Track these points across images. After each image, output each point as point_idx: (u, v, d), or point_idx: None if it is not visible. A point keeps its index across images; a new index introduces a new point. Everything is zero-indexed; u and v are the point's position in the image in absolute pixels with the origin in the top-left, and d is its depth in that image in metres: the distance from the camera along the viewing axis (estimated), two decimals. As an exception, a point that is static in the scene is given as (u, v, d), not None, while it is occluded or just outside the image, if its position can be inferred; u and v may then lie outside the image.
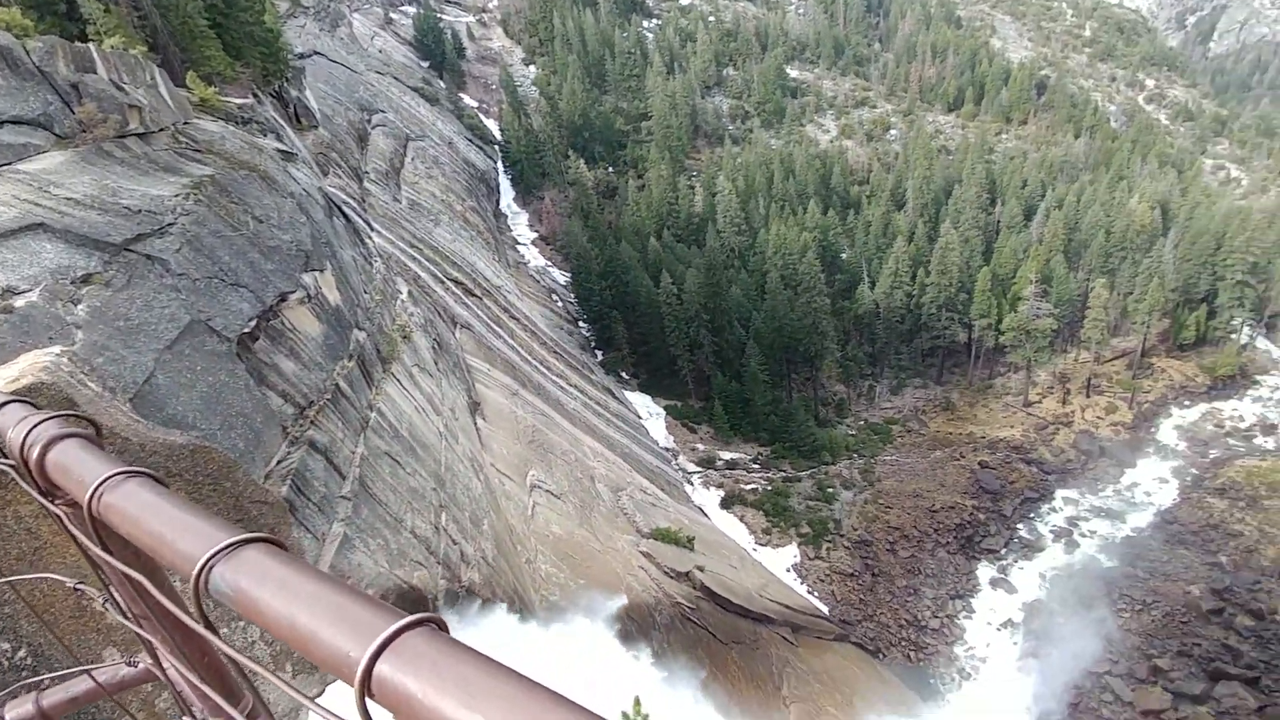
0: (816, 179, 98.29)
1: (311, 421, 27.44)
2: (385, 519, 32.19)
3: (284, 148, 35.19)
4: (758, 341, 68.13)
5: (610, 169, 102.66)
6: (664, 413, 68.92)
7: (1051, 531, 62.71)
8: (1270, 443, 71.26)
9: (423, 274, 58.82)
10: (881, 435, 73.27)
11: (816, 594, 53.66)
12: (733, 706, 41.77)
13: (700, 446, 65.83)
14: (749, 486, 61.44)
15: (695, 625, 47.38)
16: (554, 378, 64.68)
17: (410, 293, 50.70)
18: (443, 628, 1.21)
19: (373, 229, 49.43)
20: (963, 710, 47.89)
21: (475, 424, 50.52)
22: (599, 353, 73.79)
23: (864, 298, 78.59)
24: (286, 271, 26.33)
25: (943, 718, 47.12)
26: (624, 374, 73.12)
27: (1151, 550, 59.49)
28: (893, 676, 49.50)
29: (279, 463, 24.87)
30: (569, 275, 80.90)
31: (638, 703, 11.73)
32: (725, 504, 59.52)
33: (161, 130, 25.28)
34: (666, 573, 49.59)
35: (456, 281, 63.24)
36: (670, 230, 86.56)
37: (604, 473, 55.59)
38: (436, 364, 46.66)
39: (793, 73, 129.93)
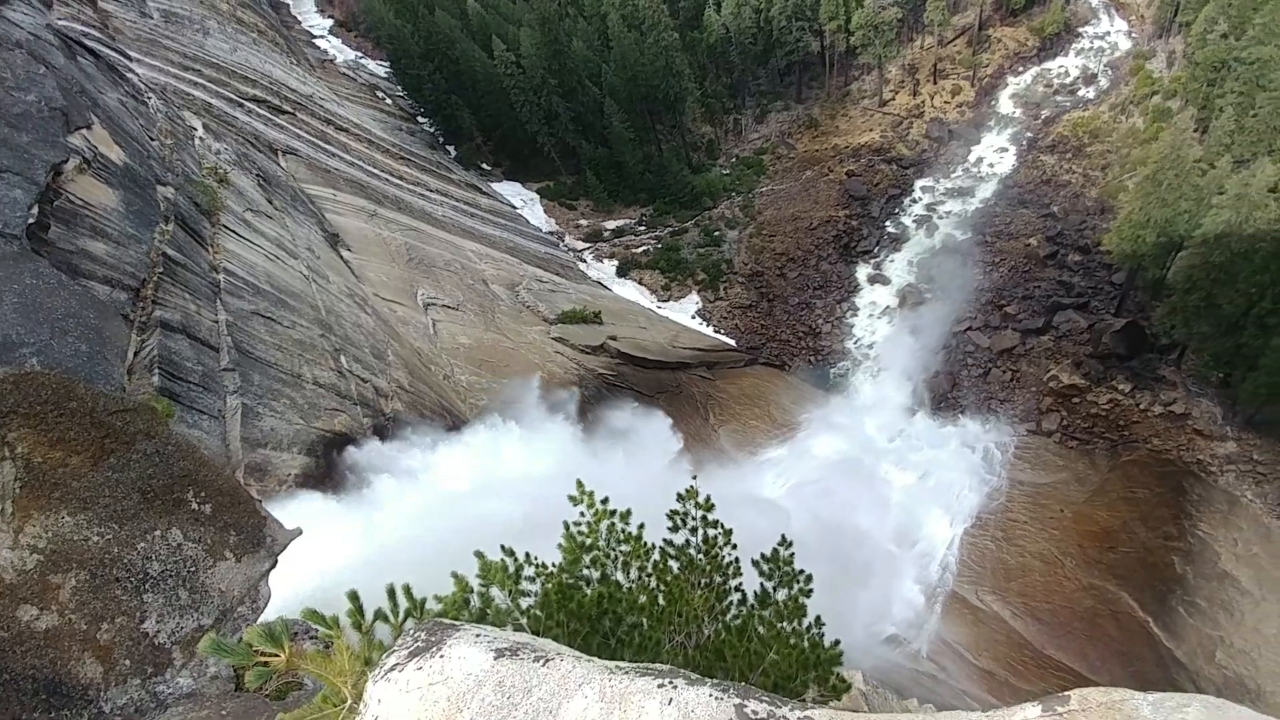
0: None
1: (153, 301, 24.40)
2: (281, 378, 30.47)
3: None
4: (614, 97, 63.50)
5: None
6: (538, 197, 65.62)
7: (914, 221, 67.79)
8: (1091, 92, 76.64)
9: (213, 100, 49.36)
10: (754, 168, 73.48)
11: (723, 331, 57.25)
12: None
13: (583, 222, 64.21)
14: (640, 249, 61.68)
15: (621, 389, 50.19)
16: (411, 187, 59.22)
17: (206, 126, 42.84)
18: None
19: (130, 60, 39.67)
20: (863, 389, 55.17)
21: (341, 257, 46.54)
22: (451, 148, 67.10)
23: (713, 24, 73.29)
24: (47, 138, 21.09)
25: (845, 398, 54.26)
26: (485, 165, 67.68)
27: (997, 215, 65.87)
28: (800, 381, 55.53)
29: (136, 355, 22.29)
30: (388, 65, 70.14)
31: (580, 485, 11.97)
32: (621, 272, 59.96)
33: None
34: (582, 350, 51.04)
35: (257, 100, 53.70)
36: (487, -17, 74.84)
37: (494, 273, 53.91)
38: (271, 202, 41.16)
39: None
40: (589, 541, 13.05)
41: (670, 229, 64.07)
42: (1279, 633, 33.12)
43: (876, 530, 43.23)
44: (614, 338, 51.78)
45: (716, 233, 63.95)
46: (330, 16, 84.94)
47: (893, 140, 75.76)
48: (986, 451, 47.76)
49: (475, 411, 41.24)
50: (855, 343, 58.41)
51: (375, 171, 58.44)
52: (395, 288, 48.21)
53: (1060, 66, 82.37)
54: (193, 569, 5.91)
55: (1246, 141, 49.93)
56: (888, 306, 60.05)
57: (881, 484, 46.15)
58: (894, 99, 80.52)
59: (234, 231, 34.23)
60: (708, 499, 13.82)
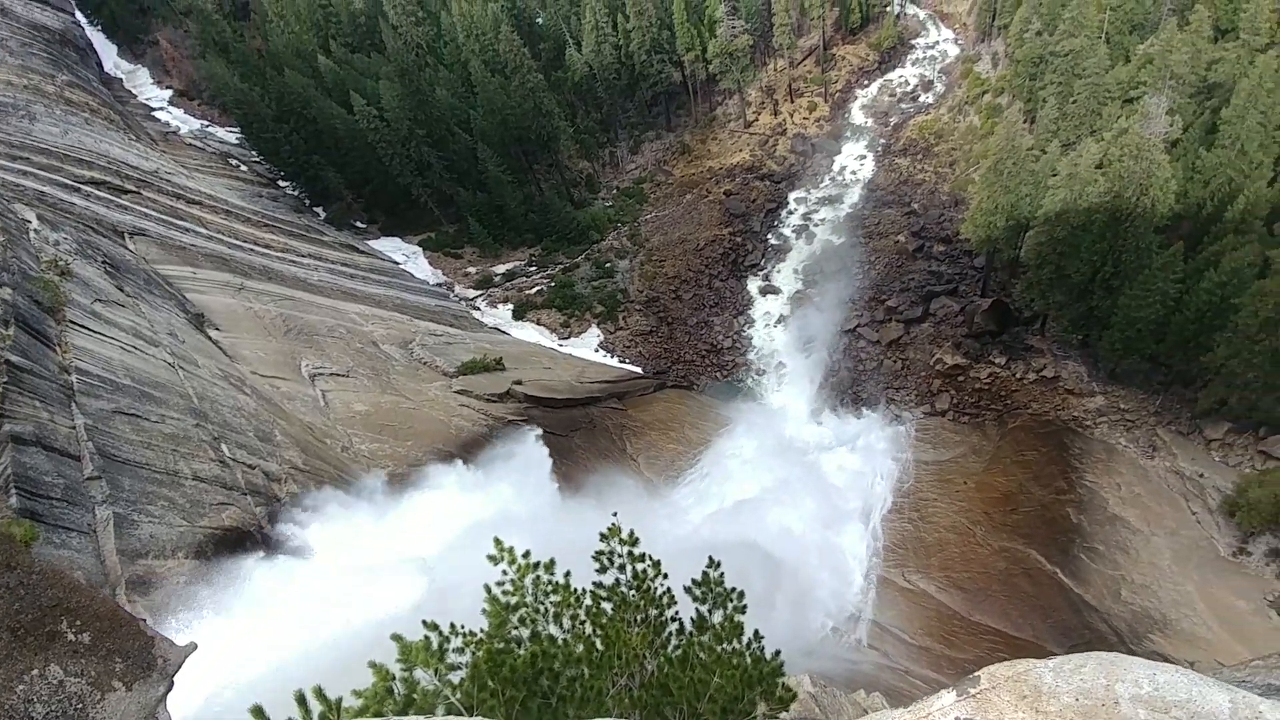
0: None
1: (0, 414, 22.24)
2: (156, 478, 28.11)
3: None
4: (486, 142, 63.15)
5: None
6: (420, 249, 63.83)
7: (793, 231, 71.08)
8: (931, 97, 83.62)
9: (46, 188, 45.34)
10: (636, 197, 74.90)
11: (628, 360, 57.38)
12: (589, 480, 45.36)
13: (472, 270, 62.96)
14: (534, 290, 61.08)
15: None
16: (280, 254, 56.19)
17: (41, 217, 39.21)
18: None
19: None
20: (769, 398, 56.60)
21: (209, 338, 43.36)
22: (319, 210, 64.29)
23: (575, 62, 74.72)
24: None
25: (754, 407, 55.45)
26: (359, 223, 65.27)
27: (866, 217, 70.16)
28: (710, 399, 56.34)
29: (-12, 475, 20.11)
30: (239, 130, 66.72)
31: (498, 542, 11.48)
32: (518, 315, 59.10)
33: None
34: (488, 399, 49.62)
35: (96, 183, 49.67)
36: (338, 41, 73.03)
37: (384, 333, 51.71)
38: (122, 290, 37.96)
39: None
40: (514, 600, 12.34)
41: (562, 266, 63.96)
42: (1171, 563, 36.17)
43: (803, 531, 44.09)
44: (519, 382, 50.74)
45: (608, 264, 64.42)
46: (169, 87, 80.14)
47: (762, 158, 79.47)
48: (891, 438, 50.02)
49: (381, 478, 39.05)
50: (757, 353, 60.07)
51: (237, 243, 55.09)
52: (275, 362, 45.30)
53: (900, 76, 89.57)
54: (79, 706, 5.48)
55: (1070, 126, 55.78)
56: (781, 315, 62.29)
57: (801, 485, 47.22)
58: (758, 119, 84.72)
59: (83, 326, 31.23)
60: (632, 534, 13.42)
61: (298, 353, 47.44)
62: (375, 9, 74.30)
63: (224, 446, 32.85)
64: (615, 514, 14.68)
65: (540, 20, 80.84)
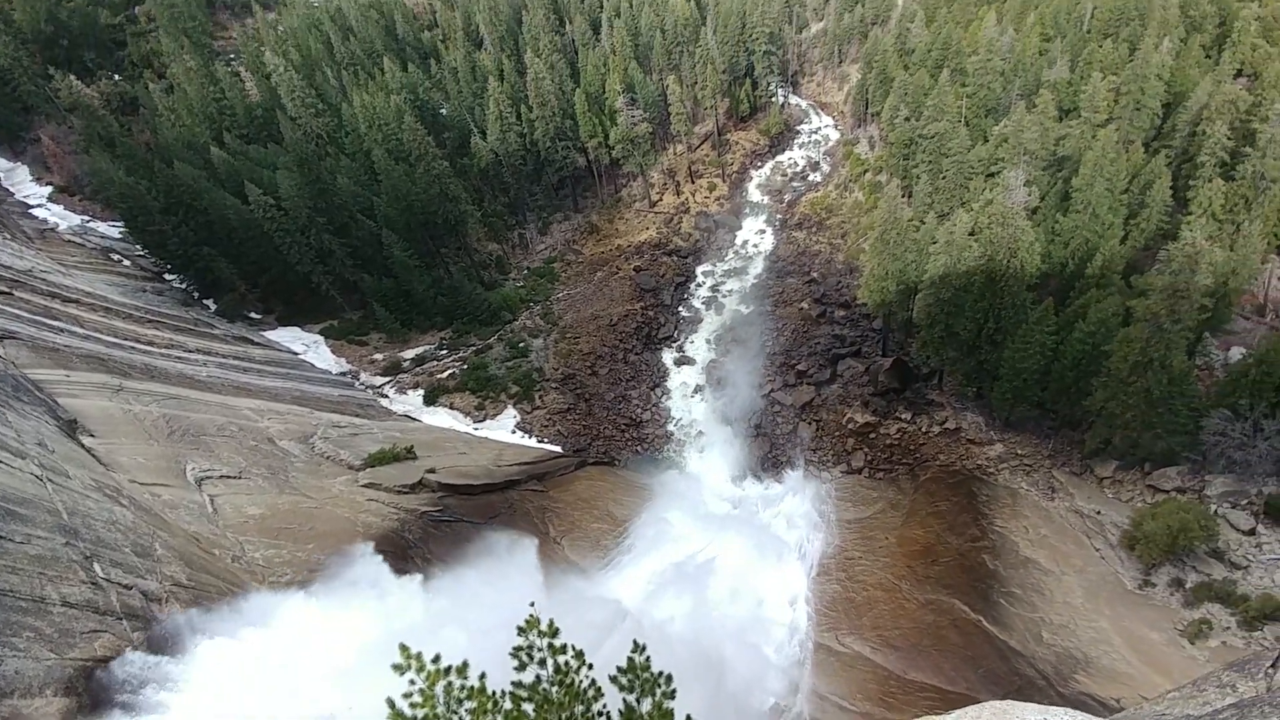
0: (381, 32, 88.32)
1: None
2: (20, 606, 25.17)
3: None
4: (391, 228, 62.35)
5: (117, 77, 79.19)
6: (322, 338, 61.16)
7: (703, 303, 73.15)
8: (818, 176, 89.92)
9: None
10: (547, 277, 75.38)
11: (547, 439, 56.03)
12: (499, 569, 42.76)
13: (378, 356, 60.69)
14: (446, 373, 59.35)
15: (448, 523, 46.49)
16: (164, 351, 52.43)
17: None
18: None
19: None
20: (691, 468, 56.27)
21: (83, 445, 39.33)
22: (209, 302, 60.90)
23: (480, 150, 76.04)
24: None
25: (676, 480, 54.82)
26: (253, 314, 62.13)
27: (769, 287, 73.26)
28: (632, 475, 55.44)
29: None
30: (122, 224, 63.19)
31: (405, 649, 10.45)
32: (429, 400, 57.00)
33: None
34: (399, 491, 46.90)
35: (-45, 283, 45.33)
36: (232, 132, 71.49)
37: (281, 428, 48.44)
38: (-19, 398, 34.08)
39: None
40: (424, 712, 11.05)
41: (474, 348, 62.76)
42: (1084, 601, 37.42)
43: (733, 602, 43.13)
44: (432, 470, 48.35)
45: (522, 344, 63.77)
46: (49, 183, 75.69)
47: (668, 235, 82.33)
48: (813, 499, 50.50)
49: (280, 588, 35.58)
50: (676, 424, 60.14)
51: (117, 341, 51.14)
52: (156, 468, 41.38)
53: (790, 158, 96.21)
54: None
55: (943, 199, 60.95)
56: (698, 385, 63.05)
57: (727, 554, 46.52)
58: (661, 199, 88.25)
59: (-66, 442, 27.61)
60: (551, 624, 12.45)
61: (182, 456, 43.59)
62: (272, 101, 73.59)
63: (97, 566, 29.37)
64: (533, 603, 13.66)
65: (444, 111, 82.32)
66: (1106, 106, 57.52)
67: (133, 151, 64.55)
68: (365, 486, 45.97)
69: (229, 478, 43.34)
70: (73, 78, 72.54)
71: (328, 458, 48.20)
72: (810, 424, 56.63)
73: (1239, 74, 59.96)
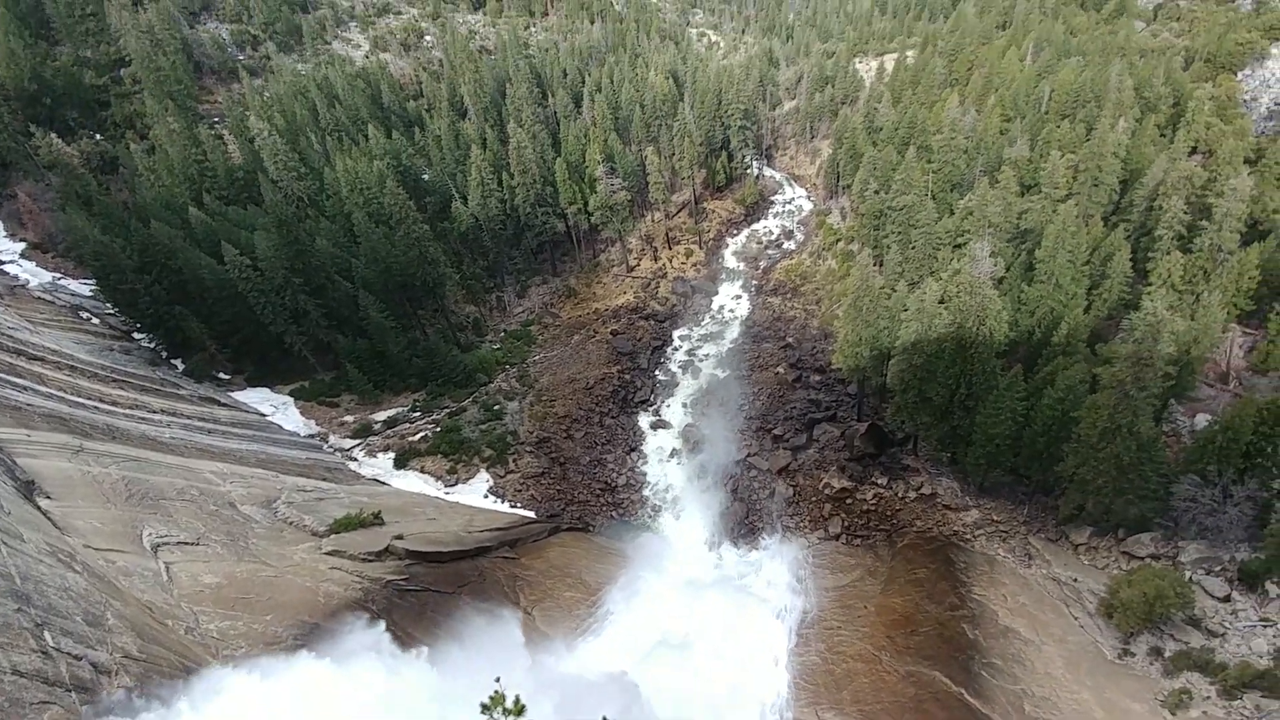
0: (366, 101, 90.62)
1: None
2: None
3: None
4: (368, 289, 62.33)
5: (99, 137, 79.83)
6: (291, 399, 59.98)
7: (679, 367, 73.41)
8: (793, 244, 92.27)
9: None
10: (524, 339, 75.40)
11: (520, 504, 54.74)
12: (478, 643, 41.17)
13: (349, 418, 59.53)
14: (418, 436, 58.25)
15: (415, 593, 44.72)
16: (127, 411, 51.01)
17: None
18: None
19: None
20: (667, 534, 55.11)
21: (39, 508, 37.72)
22: (177, 362, 59.75)
23: (461, 214, 77.14)
24: None
25: (652, 547, 53.51)
26: (222, 375, 60.95)
27: (746, 352, 73.92)
28: (607, 541, 54.11)
29: None
30: (94, 282, 62.45)
31: None
32: (400, 463, 55.69)
33: None
34: (364, 559, 45.21)
35: (-90, 339, 44.08)
36: (212, 194, 71.88)
37: (244, 492, 46.82)
38: (-70, 457, 32.72)
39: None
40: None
41: (448, 410, 61.91)
42: (1065, 671, 36.61)
43: (711, 677, 41.52)
44: (400, 536, 46.79)
45: (496, 406, 63.11)
46: (22, 240, 75.01)
47: (645, 299, 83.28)
48: (790, 567, 49.52)
49: (233, 663, 33.61)
50: (652, 489, 59.26)
51: (80, 400, 49.73)
52: (112, 533, 39.64)
53: (765, 227, 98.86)
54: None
55: (912, 268, 62.62)
56: (674, 449, 62.52)
57: (705, 625, 45.08)
58: (639, 264, 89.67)
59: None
60: (517, 701, 11.91)
61: (140, 520, 41.84)
62: (255, 164, 74.44)
63: (47, 634, 27.86)
64: (498, 679, 13.06)
65: (427, 176, 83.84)
66: (1066, 183, 60.22)
67: (109, 210, 64.41)
68: (329, 554, 44.25)
69: (186, 544, 41.54)
70: (53, 136, 72.89)
71: (291, 523, 46.50)
72: (787, 489, 56.14)
73: (1194, 151, 63.37)
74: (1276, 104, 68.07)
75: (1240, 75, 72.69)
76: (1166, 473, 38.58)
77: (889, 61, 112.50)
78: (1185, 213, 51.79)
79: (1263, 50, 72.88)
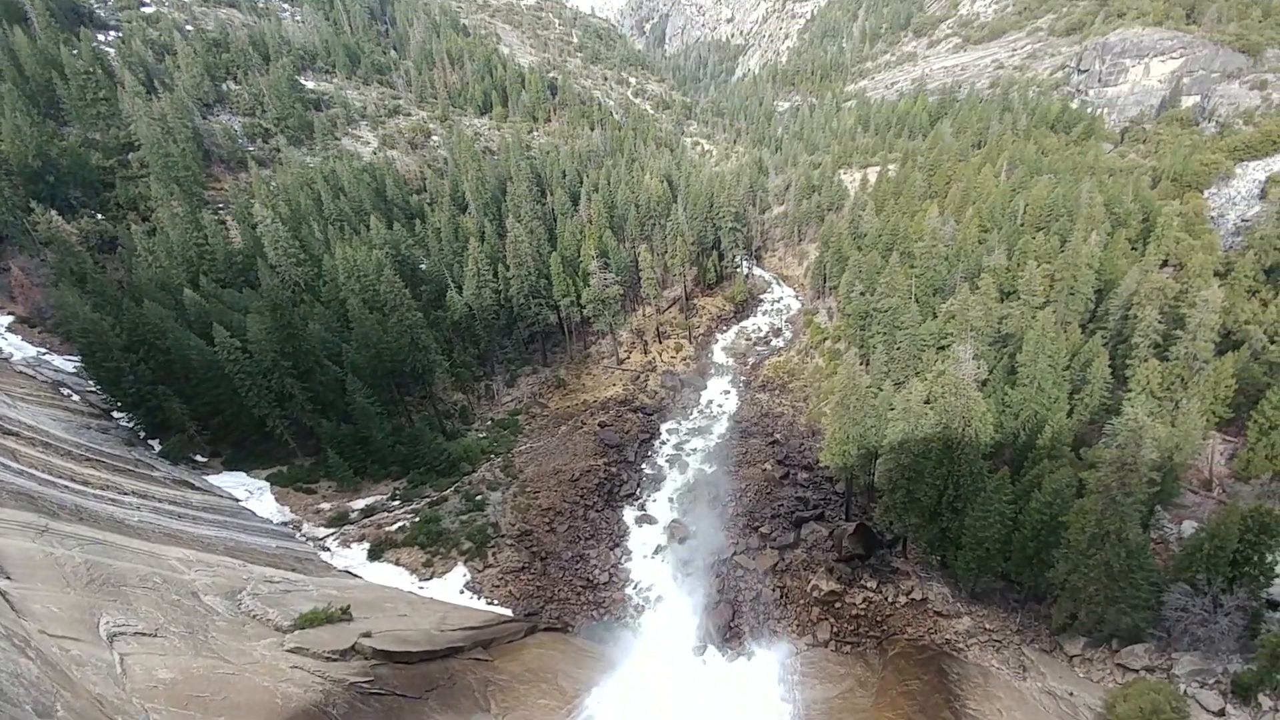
0: (371, 194, 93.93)
1: None
2: None
3: None
4: (357, 374, 62.30)
5: (100, 217, 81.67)
6: (268, 484, 58.48)
7: (667, 461, 72.63)
8: (781, 341, 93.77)
9: None
10: (511, 429, 74.85)
11: (496, 601, 52.48)
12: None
13: (325, 506, 57.93)
14: (395, 526, 56.53)
15: (379, 696, 42.05)
16: (98, 492, 49.50)
17: None
18: None
19: None
20: (650, 636, 52.60)
21: (-3, 588, 35.86)
22: (155, 443, 58.62)
23: (455, 303, 78.39)
24: None
25: (634, 650, 50.91)
26: (199, 457, 59.73)
27: (733, 447, 73.45)
28: (586, 642, 51.57)
29: None
30: (79, 359, 62.16)
31: None
32: (375, 554, 53.73)
33: None
34: (327, 658, 42.71)
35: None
36: (209, 276, 72.97)
37: (208, 581, 44.75)
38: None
39: (309, 84, 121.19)
40: None
41: (428, 500, 60.47)
42: (1066, 803, 34.31)
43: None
44: (368, 634, 44.47)
45: (479, 496, 61.75)
46: (10, 313, 75.17)
47: (635, 392, 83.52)
48: (779, 675, 47.17)
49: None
50: (635, 587, 57.13)
51: (51, 478, 48.34)
52: (70, 619, 37.54)
53: (754, 324, 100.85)
54: None
55: (898, 368, 63.48)
56: (659, 546, 60.83)
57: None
58: (629, 357, 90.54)
59: None
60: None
61: (99, 607, 39.74)
62: (254, 249, 76.07)
63: (-4, 722, 25.67)
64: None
65: (424, 266, 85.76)
66: (1043, 291, 62.28)
67: (103, 288, 64.94)
68: (291, 651, 41.85)
69: (144, 635, 39.27)
70: (54, 213, 74.03)
71: (255, 616, 44.22)
72: (774, 590, 54.29)
73: (1165, 263, 66.07)
74: (1243, 220, 71.73)
75: (1207, 193, 77.00)
76: (1157, 581, 37.76)
77: (871, 174, 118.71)
78: (1160, 322, 53.35)
79: (1228, 170, 77.63)
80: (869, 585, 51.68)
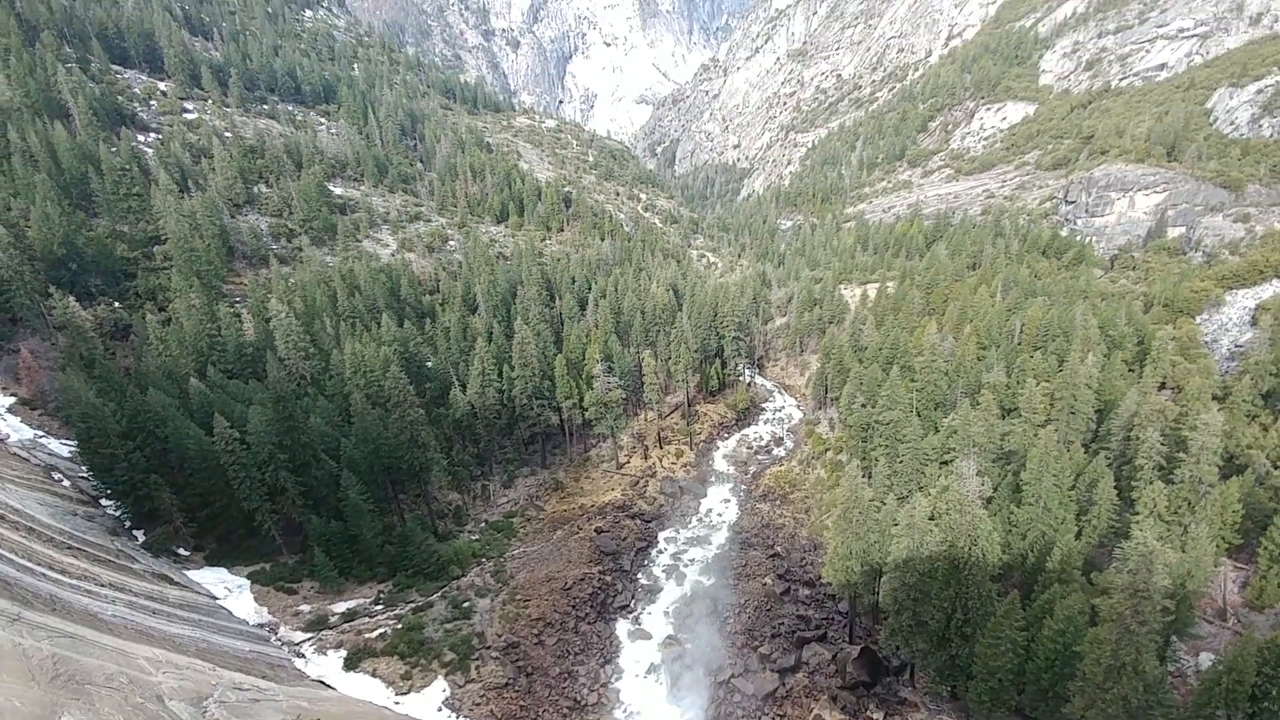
0: (385, 292, 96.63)
1: None
2: None
3: None
4: (353, 470, 61.56)
5: (117, 304, 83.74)
6: (248, 582, 56.33)
7: (663, 571, 70.09)
8: (782, 451, 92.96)
9: None
10: (505, 531, 72.95)
11: (475, 722, 49.09)
12: None
13: (305, 608, 55.50)
14: (376, 633, 53.87)
15: (341, 828, 38.51)
16: (75, 582, 47.81)
17: None
18: None
19: None
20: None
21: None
22: (139, 533, 57.16)
23: (458, 401, 78.65)
24: None
25: None
26: (181, 550, 58.01)
27: (732, 559, 71.07)
28: (569, 774, 47.73)
29: None
30: (75, 443, 61.83)
31: None
32: (351, 663, 50.85)
33: None
34: (290, 779, 39.49)
35: None
36: (218, 366, 73.80)
37: (176, 685, 42.19)
38: None
39: (337, 190, 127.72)
40: None
41: (413, 605, 57.96)
42: None
43: None
44: (335, 753, 41.38)
45: (466, 603, 59.22)
46: (13, 394, 75.44)
47: (633, 497, 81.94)
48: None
49: None
50: (625, 711, 53.54)
51: (29, 565, 46.92)
52: (30, 715, 35.13)
53: (755, 433, 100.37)
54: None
55: (901, 482, 62.49)
56: (652, 664, 57.60)
57: None
58: (629, 462, 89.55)
59: None
60: None
61: (60, 706, 37.26)
62: (266, 342, 77.36)
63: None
64: None
65: (430, 364, 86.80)
66: (1044, 409, 62.27)
67: (109, 374, 65.49)
68: (250, 769, 38.83)
69: (94, 744, 36.61)
70: (71, 299, 75.71)
71: (217, 727, 41.34)
72: (774, 719, 50.82)
73: (1162, 386, 66.35)
74: (1236, 346, 72.73)
75: (1199, 319, 78.58)
76: (1177, 718, 35.32)
77: (871, 290, 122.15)
78: (1162, 444, 52.92)
79: (1218, 297, 79.60)
80: (875, 717, 48.35)
